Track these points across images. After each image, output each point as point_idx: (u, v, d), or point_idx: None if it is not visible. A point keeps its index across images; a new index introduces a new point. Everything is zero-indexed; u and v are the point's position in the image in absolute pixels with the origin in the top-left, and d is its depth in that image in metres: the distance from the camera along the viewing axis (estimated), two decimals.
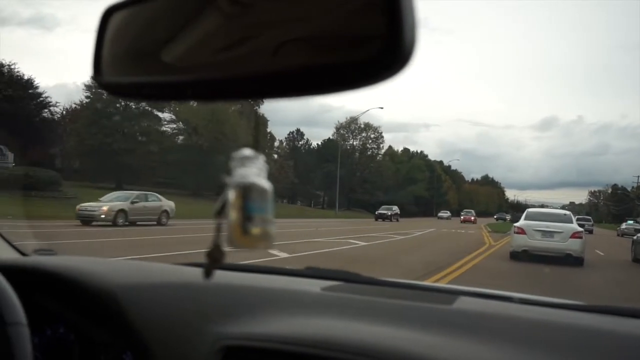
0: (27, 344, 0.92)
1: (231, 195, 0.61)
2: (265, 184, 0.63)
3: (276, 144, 65.99)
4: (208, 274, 0.66)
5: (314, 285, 1.42)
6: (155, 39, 0.65)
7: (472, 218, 54.75)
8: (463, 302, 1.31)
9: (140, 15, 0.67)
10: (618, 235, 39.48)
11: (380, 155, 78.22)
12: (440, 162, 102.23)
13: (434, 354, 1.02)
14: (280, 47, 0.52)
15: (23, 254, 1.59)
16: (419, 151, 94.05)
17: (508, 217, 59.08)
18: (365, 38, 0.47)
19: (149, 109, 44.05)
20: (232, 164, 0.63)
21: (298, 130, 77.45)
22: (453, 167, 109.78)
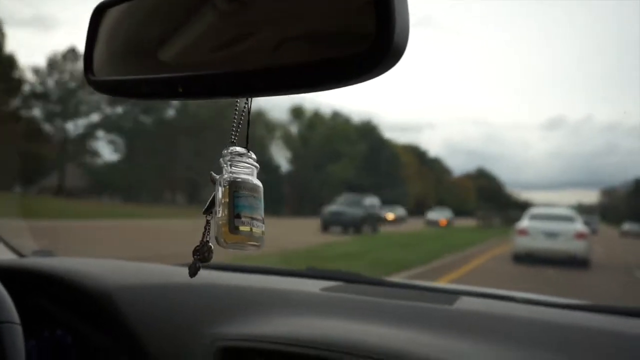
0: (19, 342, 0.92)
1: (220, 192, 0.59)
2: (256, 181, 0.61)
3: None
4: (193, 272, 0.64)
5: (313, 286, 1.41)
6: (149, 36, 0.64)
7: (444, 221, 38.18)
8: (464, 302, 1.30)
9: (132, 13, 0.66)
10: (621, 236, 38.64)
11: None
12: (415, 148, 73.59)
13: (435, 355, 1.01)
14: (274, 44, 0.52)
15: (21, 255, 1.59)
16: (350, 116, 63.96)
17: (442, 218, 39.44)
18: (356, 34, 0.47)
19: None
20: (222, 161, 0.61)
21: None
22: (433, 155, 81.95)
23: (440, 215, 39.70)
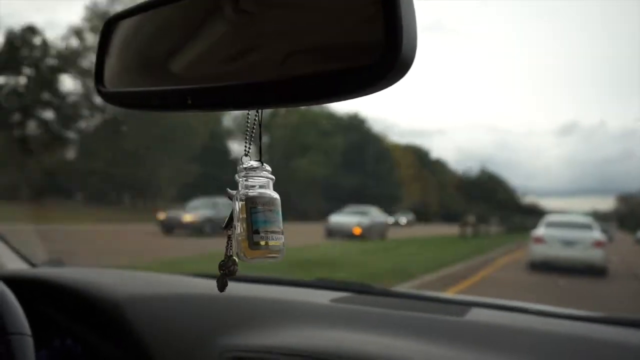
0: (30, 354, 0.92)
1: (237, 208, 0.60)
2: (272, 193, 0.62)
3: None
4: (222, 286, 0.65)
5: (323, 297, 1.41)
6: (159, 49, 0.65)
7: (357, 229, 21.61)
8: (476, 314, 1.29)
9: (142, 25, 0.67)
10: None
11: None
12: (417, 149, 64.81)
13: None
14: (283, 56, 0.52)
15: (32, 264, 1.60)
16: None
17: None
18: (364, 46, 0.47)
19: None
20: (237, 176, 0.62)
21: None
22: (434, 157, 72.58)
23: (362, 219, 22.56)
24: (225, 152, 36.81)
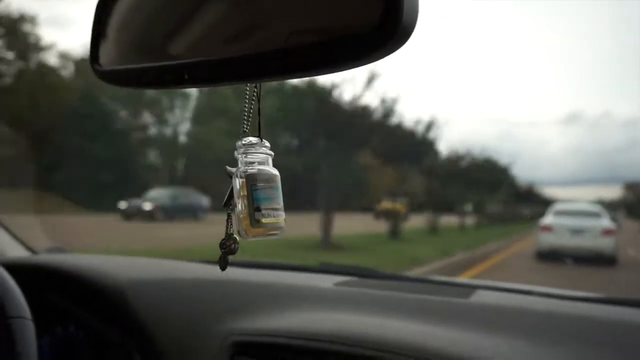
0: (31, 337, 0.92)
1: (237, 186, 0.60)
2: (272, 170, 0.61)
3: None
4: (223, 265, 0.64)
5: (327, 281, 1.40)
6: (155, 25, 0.64)
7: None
8: (481, 296, 1.28)
9: (137, 1, 0.65)
10: None
11: None
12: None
13: (451, 347, 0.99)
14: (281, 27, 0.51)
15: (34, 251, 1.59)
16: None
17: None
18: (365, 13, 0.47)
19: None
20: (237, 153, 0.61)
21: None
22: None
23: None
24: None
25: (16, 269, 1.25)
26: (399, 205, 18.90)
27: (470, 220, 24.03)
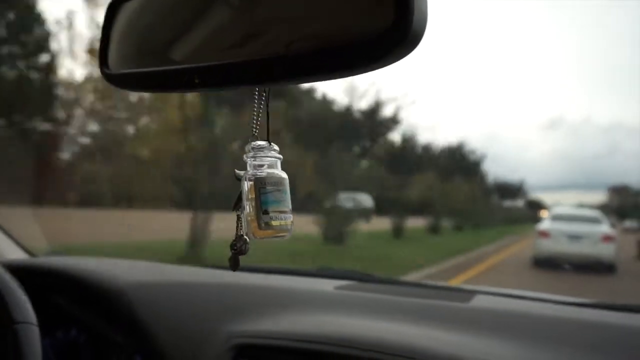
0: (36, 343, 0.91)
1: (246, 189, 0.60)
2: (281, 173, 0.62)
3: None
4: (234, 265, 0.65)
5: (327, 285, 1.41)
6: (164, 29, 0.64)
7: None
8: (480, 300, 1.29)
9: (147, 6, 0.66)
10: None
11: None
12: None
13: (450, 351, 1.00)
14: (290, 31, 0.51)
15: (33, 255, 1.59)
16: None
17: None
18: (374, 20, 0.47)
19: None
20: (246, 156, 0.62)
21: None
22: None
23: None
24: None
25: (17, 271, 1.25)
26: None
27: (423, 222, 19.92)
